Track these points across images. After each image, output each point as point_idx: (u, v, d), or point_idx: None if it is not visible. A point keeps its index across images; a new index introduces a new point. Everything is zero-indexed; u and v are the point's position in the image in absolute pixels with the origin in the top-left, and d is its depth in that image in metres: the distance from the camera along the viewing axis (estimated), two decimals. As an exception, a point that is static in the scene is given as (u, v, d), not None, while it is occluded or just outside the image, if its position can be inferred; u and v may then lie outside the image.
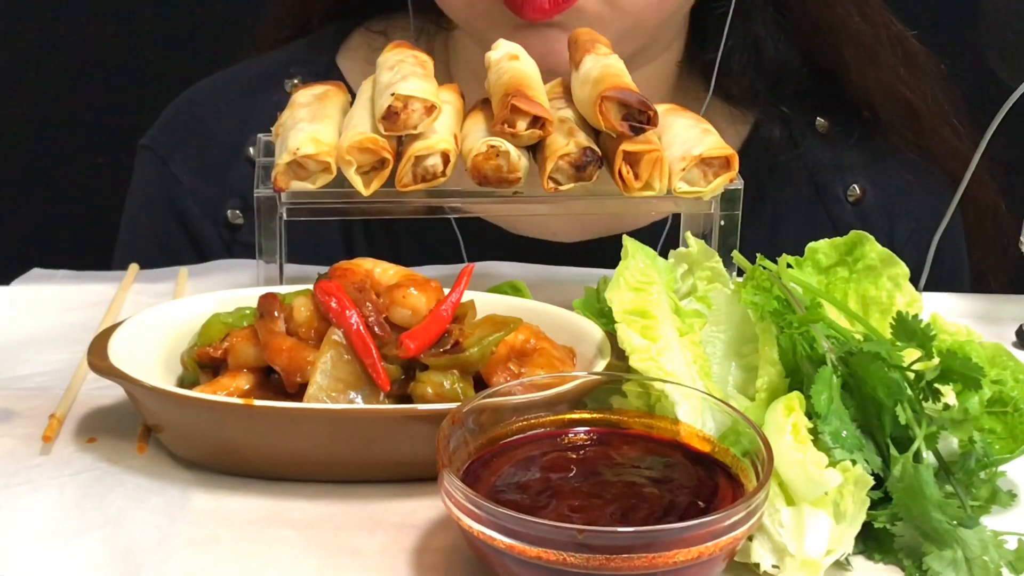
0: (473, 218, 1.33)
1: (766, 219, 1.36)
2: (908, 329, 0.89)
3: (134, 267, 1.23)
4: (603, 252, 1.34)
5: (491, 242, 1.34)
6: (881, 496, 0.86)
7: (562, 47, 1.13)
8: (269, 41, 1.48)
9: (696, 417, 0.88)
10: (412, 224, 1.35)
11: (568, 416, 0.89)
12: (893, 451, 0.87)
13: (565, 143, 1.01)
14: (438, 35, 1.40)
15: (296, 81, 1.39)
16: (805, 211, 1.41)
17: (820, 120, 1.41)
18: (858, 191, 1.41)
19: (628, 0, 1.23)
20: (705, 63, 1.37)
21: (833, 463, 0.84)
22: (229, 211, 1.37)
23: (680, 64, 1.39)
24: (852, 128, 1.41)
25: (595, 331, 0.99)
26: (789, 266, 0.97)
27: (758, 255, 0.96)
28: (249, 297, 1.01)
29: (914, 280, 1.00)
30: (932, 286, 1.17)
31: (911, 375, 0.88)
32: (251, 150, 1.37)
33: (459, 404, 0.86)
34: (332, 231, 1.38)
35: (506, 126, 1.01)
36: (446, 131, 1.03)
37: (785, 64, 1.38)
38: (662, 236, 1.34)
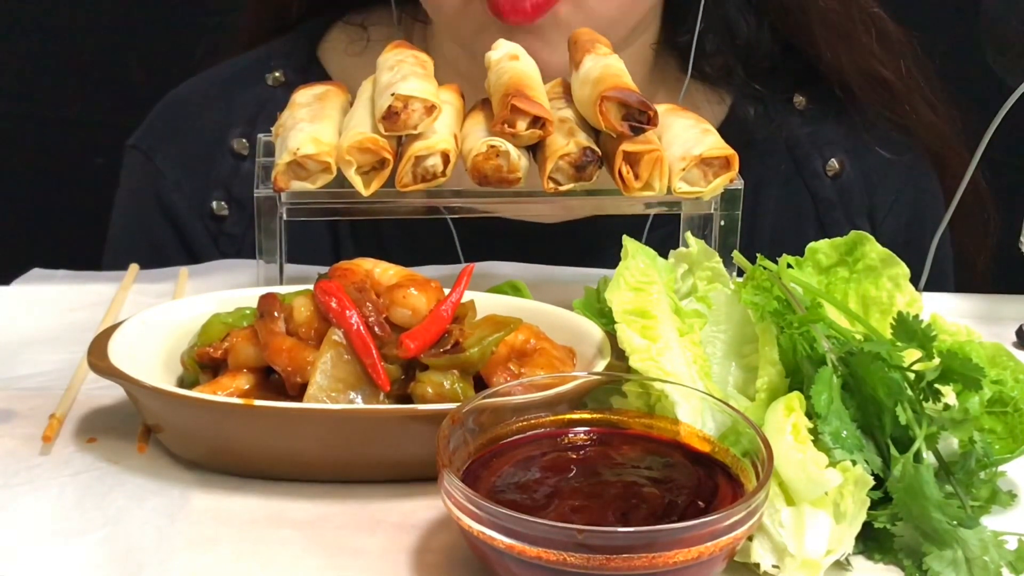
0: None
1: (746, 195, 1.36)
2: (908, 329, 0.89)
3: (134, 267, 1.24)
4: (585, 233, 1.35)
5: (474, 226, 1.35)
6: (881, 496, 0.86)
7: (544, 57, 1.14)
8: (249, 38, 1.49)
9: (696, 417, 0.88)
10: (398, 219, 1.36)
11: (568, 416, 0.89)
12: (893, 451, 0.87)
13: (565, 143, 1.01)
14: (415, 26, 1.41)
15: (277, 74, 1.42)
16: (784, 186, 1.42)
17: (798, 97, 1.42)
18: (837, 165, 1.42)
19: (601, 8, 1.24)
20: (680, 45, 1.38)
21: (833, 463, 0.84)
22: (214, 203, 1.38)
23: (655, 47, 1.40)
24: (829, 104, 1.42)
25: (595, 331, 0.99)
26: (789, 266, 0.97)
27: (758, 255, 0.96)
28: (249, 297, 1.01)
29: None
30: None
31: (911, 375, 0.88)
32: (234, 143, 1.39)
33: (459, 404, 0.86)
34: (321, 232, 1.38)
35: (506, 126, 1.01)
36: (446, 131, 1.03)
37: (758, 43, 1.39)
38: (648, 217, 1.34)
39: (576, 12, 1.23)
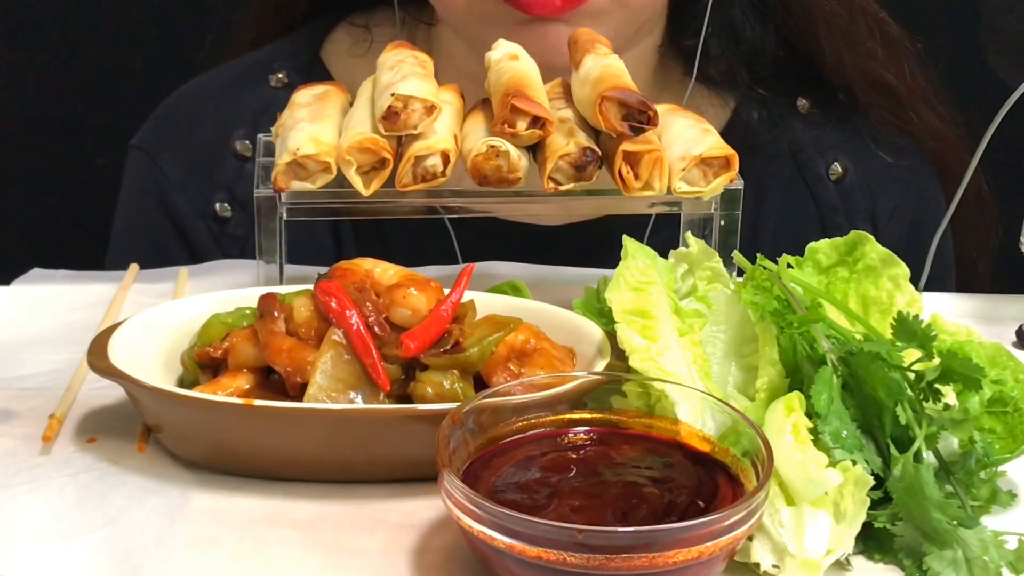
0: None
1: (749, 199, 1.37)
2: (908, 329, 0.89)
3: (134, 267, 1.24)
4: (587, 237, 1.35)
5: (477, 228, 1.35)
6: (881, 496, 0.86)
7: (564, 43, 1.14)
8: (253, 40, 1.50)
9: (696, 417, 0.88)
10: (400, 219, 1.36)
11: (568, 416, 0.89)
12: (893, 451, 0.87)
13: (565, 143, 1.01)
14: (419, 28, 1.41)
15: (281, 75, 1.42)
16: (787, 190, 1.42)
17: (802, 100, 1.42)
18: (840, 169, 1.42)
19: None
20: (684, 48, 1.38)
21: (833, 463, 0.84)
22: (217, 204, 1.38)
23: (660, 49, 1.40)
24: (833, 108, 1.42)
25: (595, 331, 0.99)
26: (789, 266, 0.97)
27: (758, 255, 0.96)
28: (249, 297, 1.01)
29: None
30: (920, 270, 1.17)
31: (911, 375, 0.88)
32: (237, 144, 1.39)
33: (459, 404, 0.86)
34: (322, 232, 1.38)
35: (506, 126, 1.01)
36: (446, 131, 1.03)
37: (763, 47, 1.39)
38: (650, 221, 1.34)
39: (611, 1, 1.23)
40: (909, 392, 0.88)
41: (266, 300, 0.97)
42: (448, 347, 0.93)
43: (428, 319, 0.94)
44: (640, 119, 1.00)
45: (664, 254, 1.00)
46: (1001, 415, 0.93)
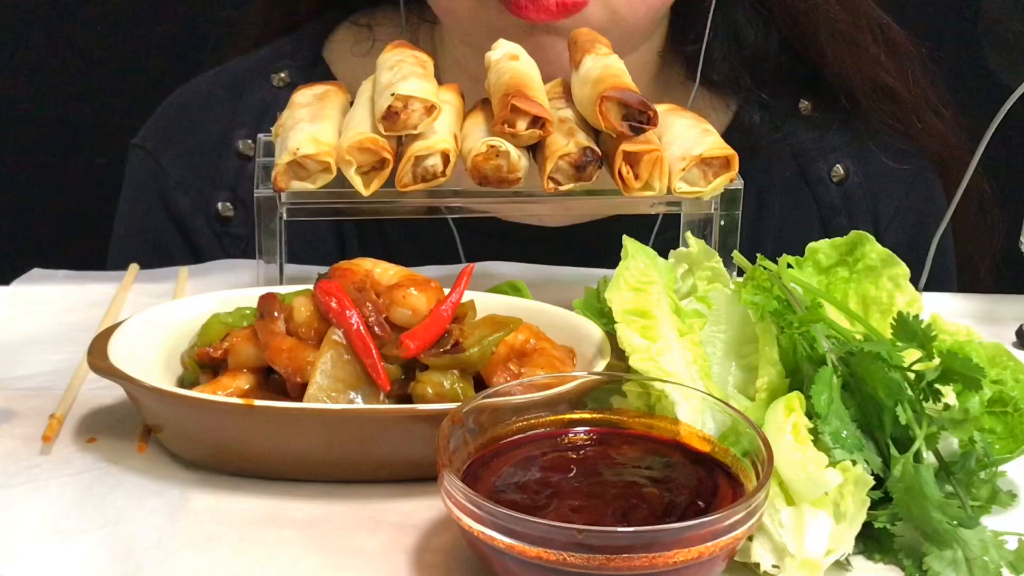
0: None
1: (751, 201, 1.36)
2: (908, 329, 0.89)
3: (134, 267, 1.24)
4: (589, 238, 1.35)
5: (479, 229, 1.35)
6: (881, 496, 0.86)
7: (561, 54, 1.14)
8: (256, 39, 1.50)
9: (696, 417, 0.88)
10: (403, 220, 1.36)
11: (568, 416, 0.89)
12: (893, 451, 0.87)
13: (565, 143, 1.01)
14: (422, 27, 1.41)
15: (283, 75, 1.42)
16: (789, 192, 1.42)
17: (804, 103, 1.42)
18: (842, 171, 1.42)
19: (628, 10, 1.24)
20: (686, 52, 1.38)
21: (833, 463, 0.84)
22: (220, 203, 1.38)
23: (661, 54, 1.40)
24: (835, 110, 1.42)
25: (595, 331, 0.99)
26: (789, 266, 0.97)
27: (758, 255, 0.96)
28: (249, 297, 1.01)
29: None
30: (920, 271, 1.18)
31: (911, 375, 0.88)
32: (240, 143, 1.39)
33: (459, 404, 0.86)
34: (325, 231, 1.38)
35: (506, 126, 1.01)
36: (446, 131, 1.03)
37: (765, 51, 1.39)
38: (655, 224, 1.34)
39: (603, 10, 1.23)
40: (909, 392, 0.88)
41: (266, 300, 0.97)
42: (448, 347, 0.93)
43: (428, 319, 0.94)
44: (640, 119, 1.01)
45: (666, 255, 1.00)
46: (1001, 415, 0.93)
